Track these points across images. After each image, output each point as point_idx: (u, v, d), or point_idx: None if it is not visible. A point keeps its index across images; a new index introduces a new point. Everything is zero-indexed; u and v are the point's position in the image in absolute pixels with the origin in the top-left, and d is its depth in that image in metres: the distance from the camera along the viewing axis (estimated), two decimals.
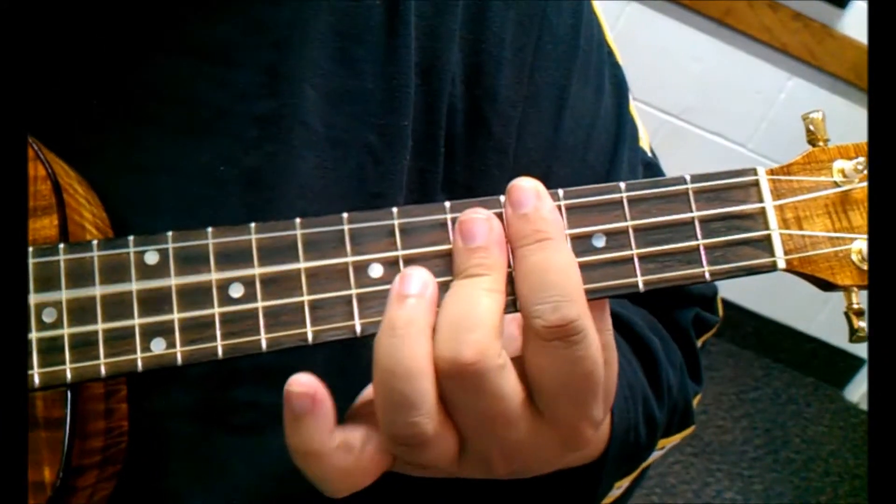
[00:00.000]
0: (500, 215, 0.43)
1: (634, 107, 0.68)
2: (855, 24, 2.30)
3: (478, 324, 0.40)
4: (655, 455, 0.65)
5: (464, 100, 0.58)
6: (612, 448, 0.57)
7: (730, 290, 2.73)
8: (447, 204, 0.43)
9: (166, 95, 0.51)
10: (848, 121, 1.83)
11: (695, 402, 0.69)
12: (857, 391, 2.83)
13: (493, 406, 0.41)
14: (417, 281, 0.41)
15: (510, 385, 0.41)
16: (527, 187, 0.42)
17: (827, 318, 2.75)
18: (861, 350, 2.79)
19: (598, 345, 0.42)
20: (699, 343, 0.70)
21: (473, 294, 0.40)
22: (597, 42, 0.64)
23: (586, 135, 0.63)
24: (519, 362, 0.42)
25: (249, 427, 0.54)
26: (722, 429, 2.58)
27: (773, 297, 2.74)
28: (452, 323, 0.40)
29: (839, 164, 0.45)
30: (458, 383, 0.40)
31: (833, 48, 2.32)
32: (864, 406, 2.80)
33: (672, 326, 0.67)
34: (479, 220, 0.42)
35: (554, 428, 0.43)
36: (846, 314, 0.44)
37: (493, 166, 0.60)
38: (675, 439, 0.69)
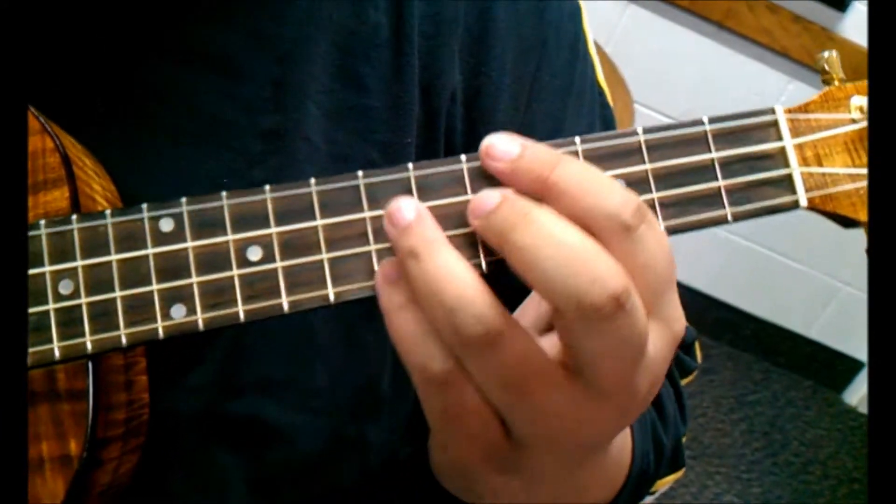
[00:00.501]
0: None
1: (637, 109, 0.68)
2: (855, 27, 2.31)
3: (594, 251, 0.37)
4: (647, 500, 0.64)
5: (463, 121, 0.58)
6: (631, 476, 0.56)
7: (730, 293, 2.74)
8: (463, 157, 0.42)
9: (170, 101, 0.51)
10: None
11: (682, 442, 0.68)
12: (856, 394, 2.83)
13: (637, 327, 0.38)
14: (408, 208, 0.39)
15: (638, 297, 0.38)
16: (497, 138, 0.41)
17: (826, 321, 2.76)
18: (860, 353, 2.79)
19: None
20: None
21: (553, 232, 0.37)
22: (590, 80, 0.65)
23: None
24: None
25: (246, 442, 0.53)
26: (721, 432, 2.58)
27: (772, 299, 2.74)
28: (572, 268, 0.36)
29: (856, 100, 0.45)
30: (612, 322, 0.37)
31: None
32: (862, 409, 2.80)
33: None
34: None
35: (664, 325, 0.40)
36: (868, 252, 0.44)
37: None
38: (668, 481, 0.67)
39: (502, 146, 0.40)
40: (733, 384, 2.74)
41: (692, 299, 2.71)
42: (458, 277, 0.38)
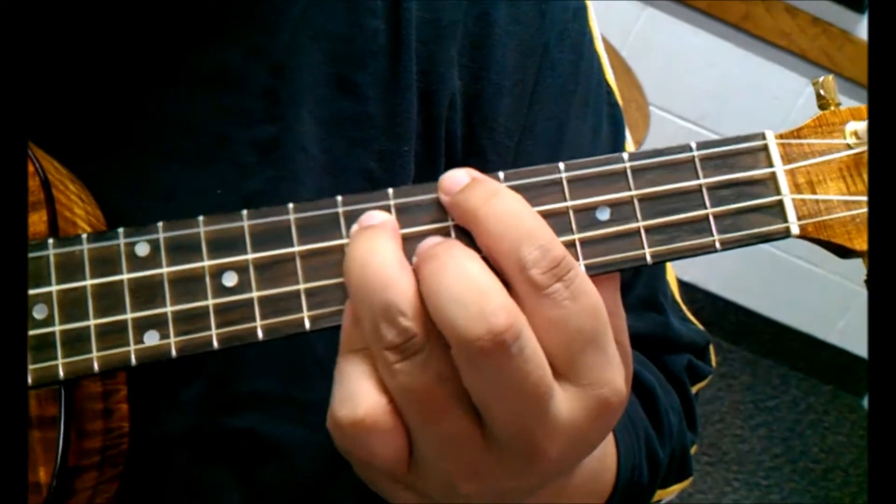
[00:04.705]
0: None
1: (631, 148, 0.67)
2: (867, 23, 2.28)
3: (489, 287, 0.37)
4: None
5: (463, 126, 0.57)
6: (618, 487, 0.55)
7: (748, 296, 2.72)
8: None
9: (165, 120, 0.51)
10: None
11: (692, 451, 0.67)
12: None
13: (528, 375, 0.37)
14: (378, 215, 0.40)
15: (537, 347, 0.38)
16: (453, 170, 0.41)
17: (846, 325, 2.73)
18: None
19: (590, 282, 0.39)
20: (692, 392, 0.68)
21: (459, 264, 0.37)
22: (596, 80, 0.64)
23: None
24: None
25: (243, 457, 0.53)
26: (739, 438, 2.56)
27: (791, 304, 2.72)
28: (460, 298, 0.36)
29: (852, 125, 0.43)
30: (491, 360, 0.36)
31: (852, 53, 2.30)
32: None
33: (664, 372, 0.66)
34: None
35: (585, 390, 0.39)
36: (866, 282, 0.43)
37: None
38: (674, 490, 0.67)
39: (452, 178, 0.40)
40: (752, 389, 2.71)
41: (710, 303, 2.69)
42: (394, 277, 0.37)
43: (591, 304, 0.38)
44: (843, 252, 0.43)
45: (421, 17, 0.55)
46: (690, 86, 2.44)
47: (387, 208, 0.41)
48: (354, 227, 0.40)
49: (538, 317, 0.38)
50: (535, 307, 0.38)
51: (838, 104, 0.44)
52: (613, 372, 0.40)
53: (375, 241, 0.38)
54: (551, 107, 0.60)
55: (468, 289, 0.36)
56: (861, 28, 2.30)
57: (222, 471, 0.52)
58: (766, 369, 2.79)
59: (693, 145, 0.43)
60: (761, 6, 2.29)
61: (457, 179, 0.40)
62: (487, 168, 0.57)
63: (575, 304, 0.38)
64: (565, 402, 0.39)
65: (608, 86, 0.65)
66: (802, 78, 2.38)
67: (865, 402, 2.82)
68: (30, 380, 0.40)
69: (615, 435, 0.56)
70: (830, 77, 0.45)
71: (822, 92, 0.44)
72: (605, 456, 0.55)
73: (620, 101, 0.66)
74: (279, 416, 0.53)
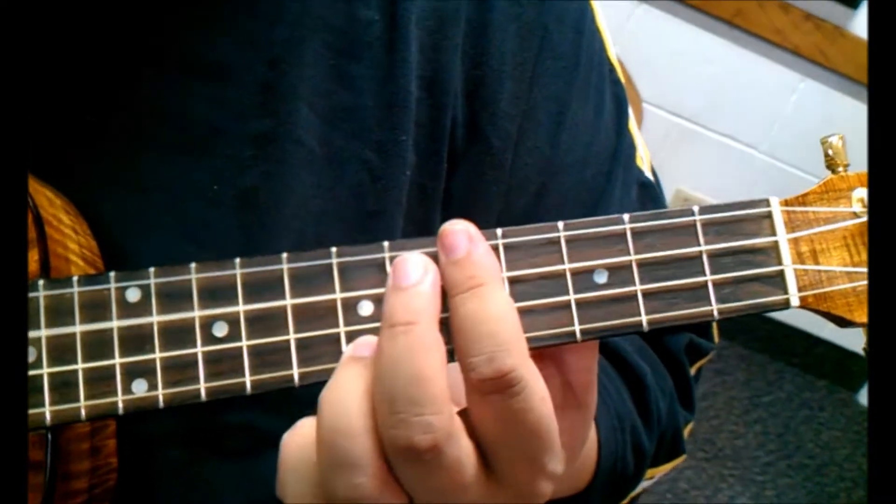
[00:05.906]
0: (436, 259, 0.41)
1: (634, 126, 0.66)
2: (867, 24, 2.27)
3: (425, 397, 0.36)
4: (644, 484, 0.64)
5: (464, 113, 0.57)
6: (598, 478, 0.56)
7: None
8: None
9: (160, 112, 0.50)
10: (860, 122, 1.81)
11: (686, 430, 0.68)
12: None
13: (447, 478, 0.38)
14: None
15: (465, 450, 0.38)
16: (458, 230, 0.40)
17: None
18: None
19: (543, 395, 0.38)
20: (693, 370, 0.68)
21: (412, 355, 0.37)
22: (598, 59, 0.63)
23: (584, 153, 0.62)
24: (465, 413, 0.40)
25: (241, 451, 0.53)
26: (734, 433, 2.56)
27: None
28: (395, 400, 0.37)
29: (859, 192, 0.43)
30: (411, 466, 0.37)
31: (845, 49, 2.30)
32: None
33: (663, 352, 0.66)
34: (413, 260, 0.40)
35: (507, 486, 0.40)
36: (865, 351, 0.42)
37: (491, 182, 0.59)
38: (665, 469, 0.67)
39: (452, 240, 0.40)
40: (747, 385, 2.72)
41: None
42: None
43: (532, 427, 0.38)
44: (842, 322, 0.43)
45: (423, 6, 0.55)
46: (684, 82, 2.43)
47: (381, 261, 0.41)
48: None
49: (478, 408, 0.39)
50: (475, 400, 0.39)
51: (846, 165, 0.43)
52: (540, 483, 0.40)
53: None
54: (552, 89, 0.59)
55: (413, 387, 0.37)
56: (854, 24, 2.29)
57: (221, 466, 0.53)
58: (761, 365, 2.79)
59: (695, 209, 0.42)
60: (754, 2, 2.28)
61: (455, 244, 0.40)
62: (489, 154, 0.58)
63: (514, 417, 0.38)
64: (485, 492, 0.39)
65: (610, 63, 0.65)
66: (795, 74, 2.38)
67: (860, 398, 2.83)
68: None
69: (598, 428, 0.57)
70: (839, 137, 0.44)
71: (830, 152, 0.44)
72: (586, 449, 0.55)
73: (623, 79, 0.66)
74: (278, 410, 0.52)
